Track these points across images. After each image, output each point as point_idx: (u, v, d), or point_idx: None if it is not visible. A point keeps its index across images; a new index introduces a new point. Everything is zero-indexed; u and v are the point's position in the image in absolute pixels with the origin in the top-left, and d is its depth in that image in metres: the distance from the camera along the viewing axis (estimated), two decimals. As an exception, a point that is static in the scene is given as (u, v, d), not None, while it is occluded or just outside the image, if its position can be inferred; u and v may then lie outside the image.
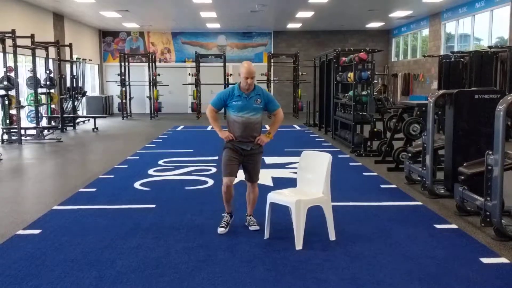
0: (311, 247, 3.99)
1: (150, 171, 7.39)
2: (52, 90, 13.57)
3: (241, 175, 4.53)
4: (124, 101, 17.76)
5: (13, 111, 11.01)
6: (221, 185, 4.39)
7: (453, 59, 13.24)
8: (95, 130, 13.60)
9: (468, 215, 4.90)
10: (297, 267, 3.62)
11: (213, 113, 4.45)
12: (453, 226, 4.62)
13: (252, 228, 4.45)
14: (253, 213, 4.58)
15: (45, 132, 11.99)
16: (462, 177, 4.85)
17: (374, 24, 19.19)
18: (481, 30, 14.02)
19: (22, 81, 12.48)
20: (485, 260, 3.73)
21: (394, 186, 6.41)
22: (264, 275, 3.48)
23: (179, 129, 14.32)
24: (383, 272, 3.51)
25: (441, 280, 3.39)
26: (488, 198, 4.28)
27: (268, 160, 8.02)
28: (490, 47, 12.26)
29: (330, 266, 3.62)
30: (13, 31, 10.54)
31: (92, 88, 19.81)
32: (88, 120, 15.98)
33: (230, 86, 4.27)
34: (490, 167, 4.25)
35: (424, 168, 5.86)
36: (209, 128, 14.31)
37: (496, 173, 4.17)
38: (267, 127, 4.61)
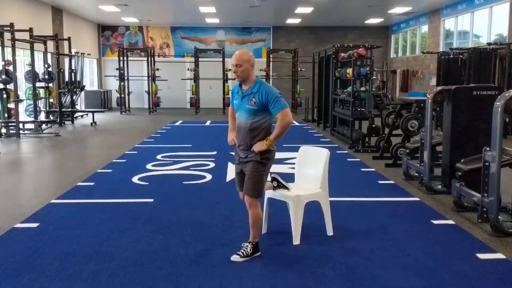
0: (308, 242, 4.00)
1: (148, 166, 7.39)
2: (50, 84, 13.54)
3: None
4: (122, 95, 17.73)
5: (12, 105, 11.00)
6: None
7: (452, 56, 13.25)
8: (93, 124, 13.58)
9: (465, 211, 4.91)
10: (294, 261, 3.63)
11: (230, 111, 3.96)
12: (450, 222, 4.64)
13: (232, 257, 3.65)
14: (254, 240, 3.72)
15: (43, 126, 11.97)
16: (460, 173, 4.87)
17: (374, 20, 19.17)
18: (480, 27, 14.01)
19: (20, 75, 12.44)
20: (481, 256, 3.75)
21: (391, 182, 6.42)
22: (261, 269, 3.49)
23: (177, 124, 14.30)
24: (380, 267, 3.53)
25: (437, 275, 3.40)
26: (485, 194, 4.29)
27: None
28: (489, 44, 12.26)
29: (328, 261, 3.63)
30: (11, 25, 10.51)
31: (90, 82, 19.77)
32: (87, 114, 15.95)
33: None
34: (487, 164, 4.26)
35: (422, 164, 5.87)
36: (207, 123, 14.31)
37: (493, 169, 4.18)
38: None
